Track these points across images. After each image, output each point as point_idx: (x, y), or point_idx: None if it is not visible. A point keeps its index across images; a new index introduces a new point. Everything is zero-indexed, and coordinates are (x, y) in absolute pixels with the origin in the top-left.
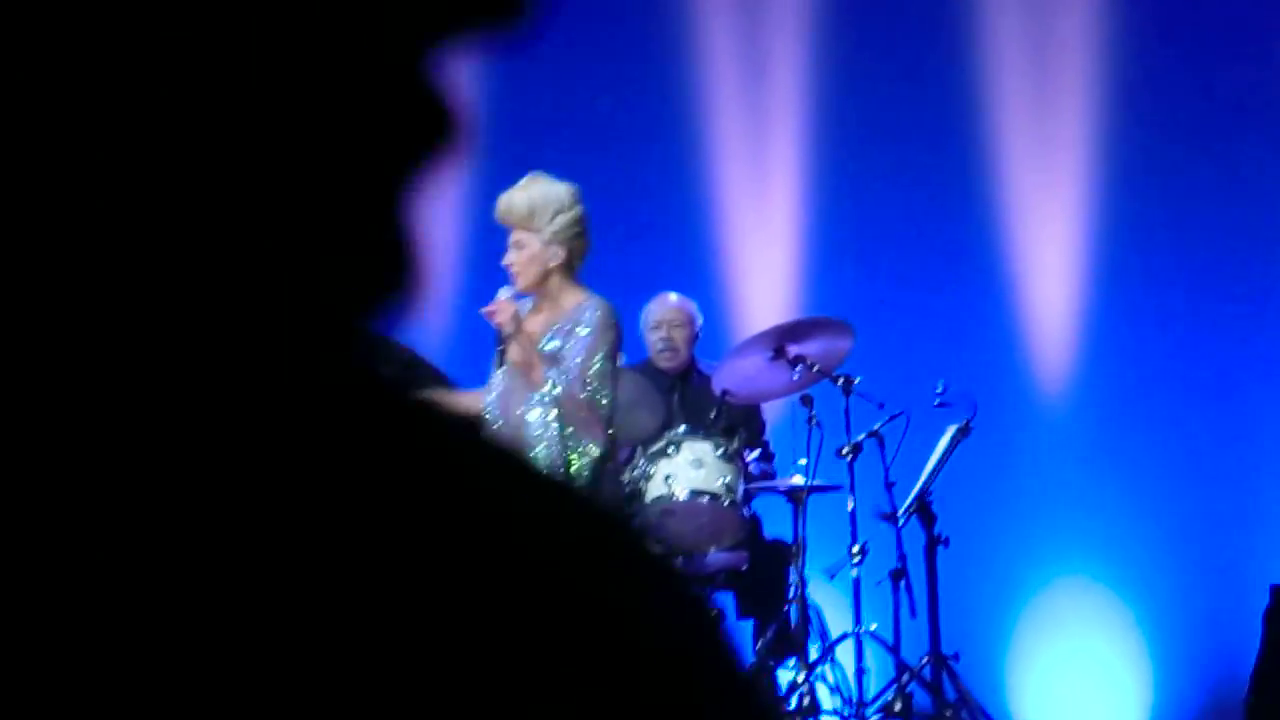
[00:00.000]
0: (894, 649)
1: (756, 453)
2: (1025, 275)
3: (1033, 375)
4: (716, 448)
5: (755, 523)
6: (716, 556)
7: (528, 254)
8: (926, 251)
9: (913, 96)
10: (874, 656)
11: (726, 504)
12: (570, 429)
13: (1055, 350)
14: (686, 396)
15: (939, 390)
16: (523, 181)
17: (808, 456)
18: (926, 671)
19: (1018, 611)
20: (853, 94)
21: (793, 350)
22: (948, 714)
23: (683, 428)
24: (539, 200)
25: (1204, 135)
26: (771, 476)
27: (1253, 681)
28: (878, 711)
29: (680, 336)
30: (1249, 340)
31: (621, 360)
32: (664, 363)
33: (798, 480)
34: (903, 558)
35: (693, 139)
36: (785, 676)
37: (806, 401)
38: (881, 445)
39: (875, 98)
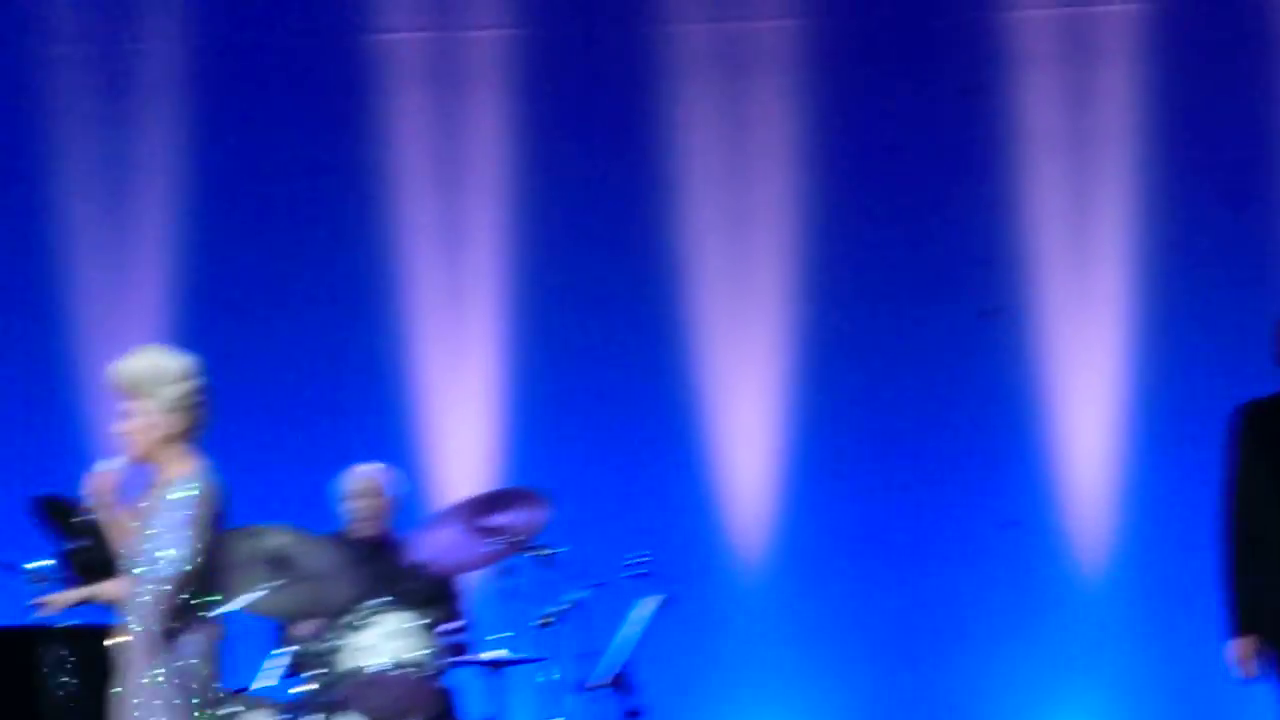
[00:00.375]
0: None
1: (453, 624)
2: (724, 447)
3: (732, 543)
4: (414, 619)
5: (451, 695)
6: None
7: (137, 423)
8: (626, 423)
9: (611, 266)
10: None
11: (423, 675)
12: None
13: (755, 518)
14: (383, 567)
15: (639, 560)
16: (136, 351)
17: (505, 628)
18: None
19: None
20: (551, 265)
21: (489, 521)
22: None
23: (380, 599)
24: (149, 370)
25: (899, 300)
26: (468, 648)
27: None
28: None
29: (376, 506)
30: (944, 508)
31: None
32: (360, 532)
33: (497, 652)
34: None
35: (391, 309)
36: None
37: (504, 573)
38: (580, 616)
39: (573, 268)
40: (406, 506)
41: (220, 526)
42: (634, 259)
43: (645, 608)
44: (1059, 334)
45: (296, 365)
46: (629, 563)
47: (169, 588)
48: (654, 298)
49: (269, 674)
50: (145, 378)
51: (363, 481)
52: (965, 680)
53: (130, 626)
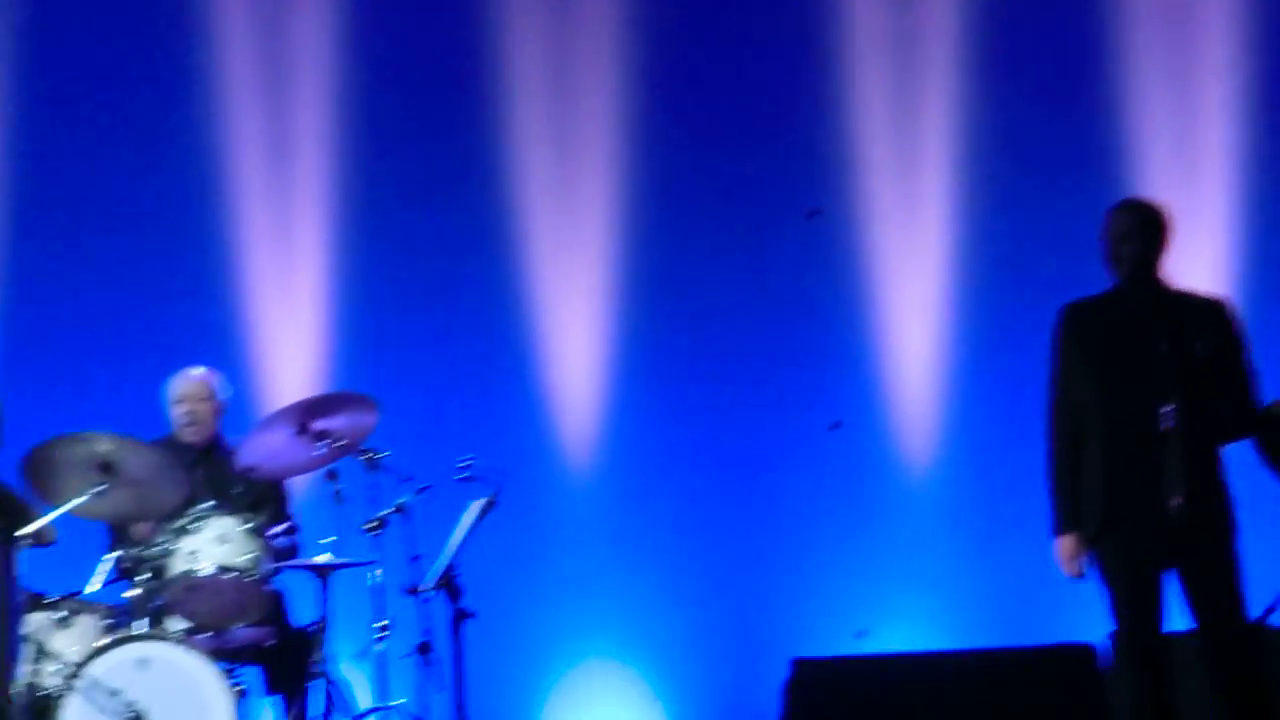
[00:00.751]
0: None
1: (282, 528)
2: (549, 346)
3: (558, 446)
4: (241, 523)
5: (280, 598)
6: (242, 632)
7: None
8: (455, 327)
9: (439, 160)
10: None
11: (252, 579)
12: None
13: (581, 424)
14: (211, 471)
15: (464, 464)
16: None
17: (333, 532)
18: None
19: (547, 681)
20: (379, 158)
21: (317, 425)
22: None
23: (207, 503)
24: None
25: (727, 198)
26: (296, 551)
27: None
28: None
29: (203, 410)
30: (770, 408)
31: None
32: (187, 437)
33: (324, 557)
34: (429, 632)
35: (217, 208)
36: None
37: (332, 476)
38: (407, 519)
39: (402, 162)
40: (234, 411)
41: None
42: (462, 162)
43: (472, 511)
44: (885, 236)
45: (125, 269)
46: (456, 466)
47: None
48: (483, 201)
49: (98, 579)
50: None
51: (190, 385)
52: (793, 583)
53: None
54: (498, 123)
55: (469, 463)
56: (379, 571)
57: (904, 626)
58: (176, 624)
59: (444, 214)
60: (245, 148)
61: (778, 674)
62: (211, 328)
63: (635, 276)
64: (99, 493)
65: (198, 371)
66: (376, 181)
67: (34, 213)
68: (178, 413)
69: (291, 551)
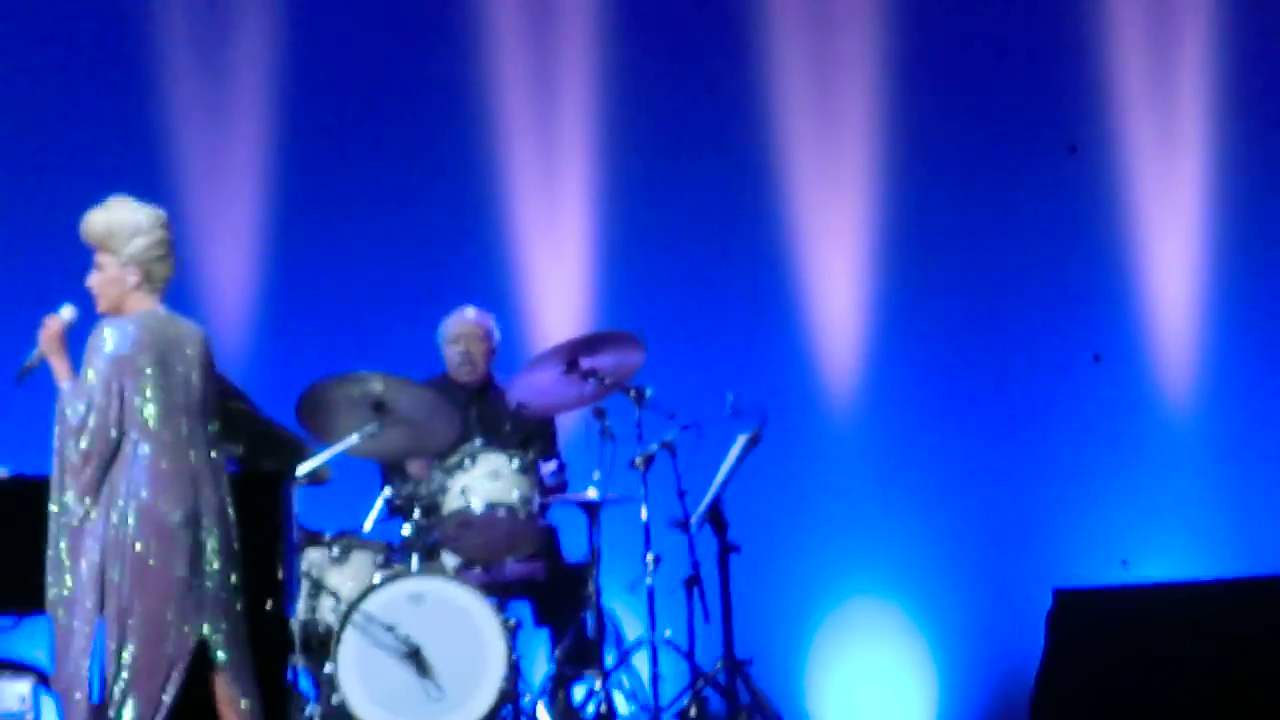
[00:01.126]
0: (688, 655)
1: (552, 465)
2: (813, 286)
3: (821, 385)
4: (512, 460)
5: (552, 533)
6: (514, 567)
7: (105, 276)
8: (717, 264)
9: (702, 106)
10: (669, 663)
11: (523, 515)
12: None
13: (843, 360)
14: (484, 410)
15: (729, 400)
16: (105, 203)
17: (601, 468)
18: (721, 676)
19: (811, 616)
20: (643, 105)
21: (585, 363)
22: (741, 717)
23: (478, 441)
24: (116, 223)
25: (984, 140)
26: (565, 488)
27: (1037, 682)
28: (673, 716)
29: (478, 351)
30: (1029, 345)
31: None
32: (463, 376)
33: (592, 492)
34: (696, 565)
35: (485, 153)
36: (583, 685)
37: (599, 414)
38: (674, 455)
39: (665, 108)
40: (503, 351)
41: (166, 373)
42: (727, 105)
43: (737, 447)
44: (1142, 169)
45: (394, 212)
46: (722, 403)
47: (81, 428)
48: (746, 138)
49: (373, 516)
50: (111, 231)
51: (466, 325)
52: (1055, 515)
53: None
54: (759, 64)
55: (734, 399)
56: (646, 507)
57: (1165, 556)
58: (449, 560)
59: (709, 155)
60: (511, 90)
61: (1041, 605)
62: (481, 268)
63: (895, 215)
64: (372, 432)
65: (473, 312)
66: (642, 122)
67: (305, 155)
68: (452, 352)
69: (561, 488)
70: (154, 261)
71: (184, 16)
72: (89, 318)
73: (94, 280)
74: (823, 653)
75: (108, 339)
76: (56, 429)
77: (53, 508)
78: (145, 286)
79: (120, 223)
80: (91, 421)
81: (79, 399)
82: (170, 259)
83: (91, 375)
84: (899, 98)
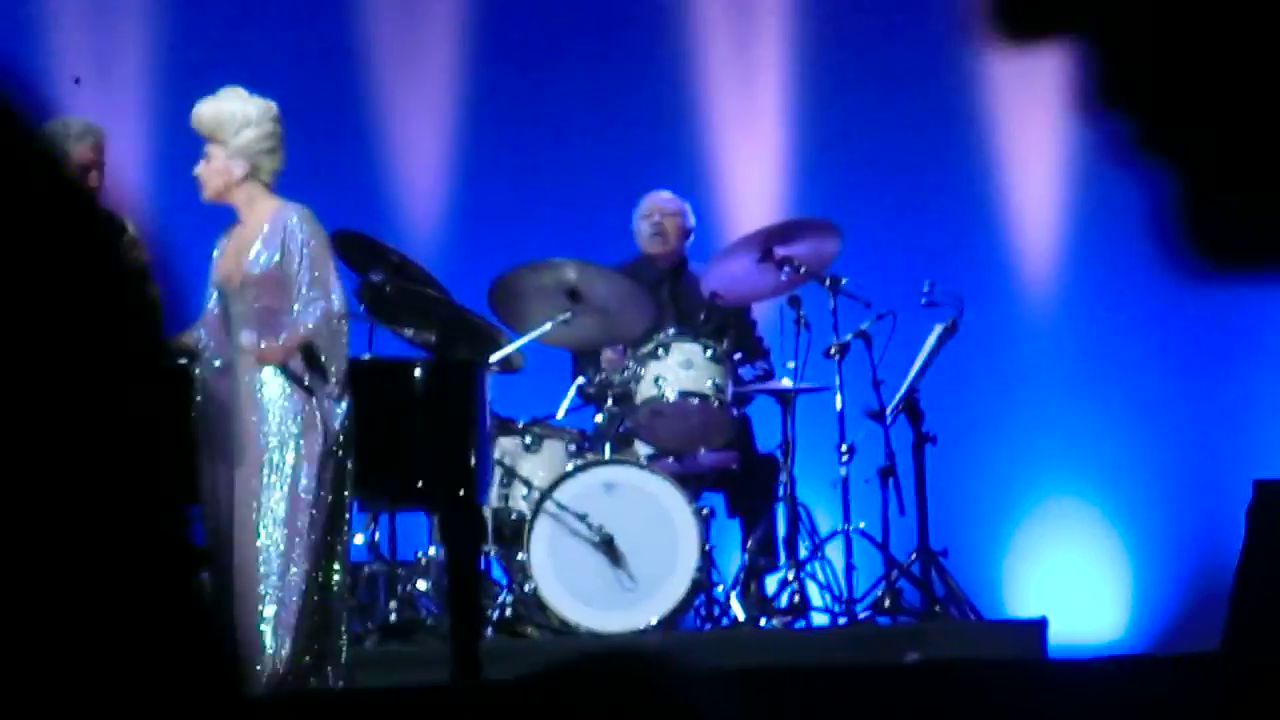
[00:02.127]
0: (883, 546)
1: (745, 355)
2: (1010, 173)
3: (1019, 274)
4: (705, 349)
5: (745, 423)
6: (707, 456)
7: (212, 165)
8: (912, 151)
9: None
10: (863, 554)
11: (716, 405)
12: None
13: (1040, 248)
14: (676, 290)
15: (925, 289)
16: (218, 93)
17: (795, 357)
18: (915, 568)
19: (1007, 509)
20: None
21: (780, 252)
22: (936, 609)
23: (672, 330)
24: (225, 113)
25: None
26: (771, 374)
27: (1237, 577)
28: (867, 608)
29: (671, 226)
30: None
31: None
32: (654, 248)
33: (786, 382)
34: (891, 456)
35: (679, 39)
36: (775, 576)
37: (794, 303)
38: (869, 345)
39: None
40: (698, 240)
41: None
42: None
43: (933, 337)
44: None
45: (589, 99)
46: (918, 292)
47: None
48: (937, 22)
49: (565, 404)
50: (220, 121)
51: (658, 199)
52: (1253, 406)
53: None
54: None
55: (930, 288)
56: (841, 396)
57: None
58: (642, 448)
59: (904, 39)
60: None
61: (1241, 499)
62: (676, 155)
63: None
64: (565, 320)
65: (665, 194)
66: (838, 7)
67: (501, 41)
68: (645, 225)
69: (766, 375)
70: (262, 154)
71: None
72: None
73: (201, 169)
74: (1019, 546)
75: (314, 222)
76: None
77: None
78: (252, 178)
79: (230, 113)
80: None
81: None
82: (280, 152)
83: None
84: None
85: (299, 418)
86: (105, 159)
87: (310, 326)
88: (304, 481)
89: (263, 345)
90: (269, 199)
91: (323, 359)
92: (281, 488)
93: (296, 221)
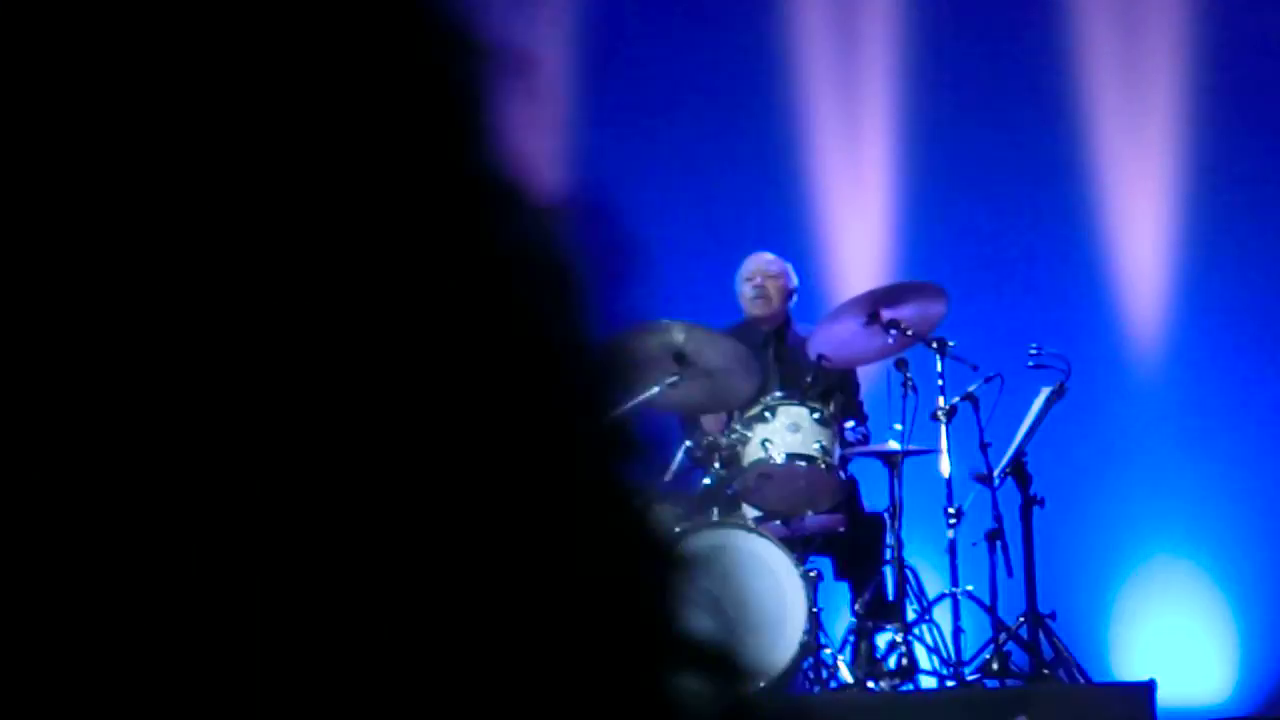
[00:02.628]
0: (991, 609)
1: (852, 424)
2: (1118, 237)
3: (1126, 337)
4: (812, 412)
5: (852, 486)
6: (814, 519)
7: None
8: (1019, 214)
9: (1005, 59)
10: (971, 617)
11: (823, 467)
12: None
13: (1148, 311)
14: (782, 354)
15: (1033, 352)
16: None
17: (903, 420)
18: (1023, 631)
19: (1114, 572)
20: (945, 57)
21: (887, 314)
22: (1045, 672)
23: (778, 393)
24: None
25: None
26: (867, 440)
27: None
28: (975, 671)
29: (773, 287)
30: None
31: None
32: (757, 310)
33: (893, 444)
34: (999, 519)
35: (787, 104)
36: (883, 637)
37: (901, 365)
38: (976, 407)
39: (967, 62)
40: (804, 302)
41: None
42: (1030, 51)
43: (1040, 400)
44: None
45: (697, 161)
46: (1025, 355)
47: None
48: (1047, 91)
49: (672, 468)
50: None
51: (760, 261)
52: None
53: None
54: (1064, 14)
55: (1037, 351)
56: (948, 459)
57: None
58: (749, 511)
59: (1012, 105)
60: (814, 40)
61: None
62: (782, 218)
63: (1203, 166)
64: (672, 383)
65: (771, 256)
66: (944, 71)
67: (601, 101)
68: (747, 287)
69: (863, 440)
70: None
71: None
72: None
73: None
74: (1126, 608)
75: None
76: None
77: None
78: None
79: None
80: None
81: None
82: None
83: None
84: (1208, 49)
85: None
86: None
87: None
88: None
89: None
90: None
91: None
92: None
93: None
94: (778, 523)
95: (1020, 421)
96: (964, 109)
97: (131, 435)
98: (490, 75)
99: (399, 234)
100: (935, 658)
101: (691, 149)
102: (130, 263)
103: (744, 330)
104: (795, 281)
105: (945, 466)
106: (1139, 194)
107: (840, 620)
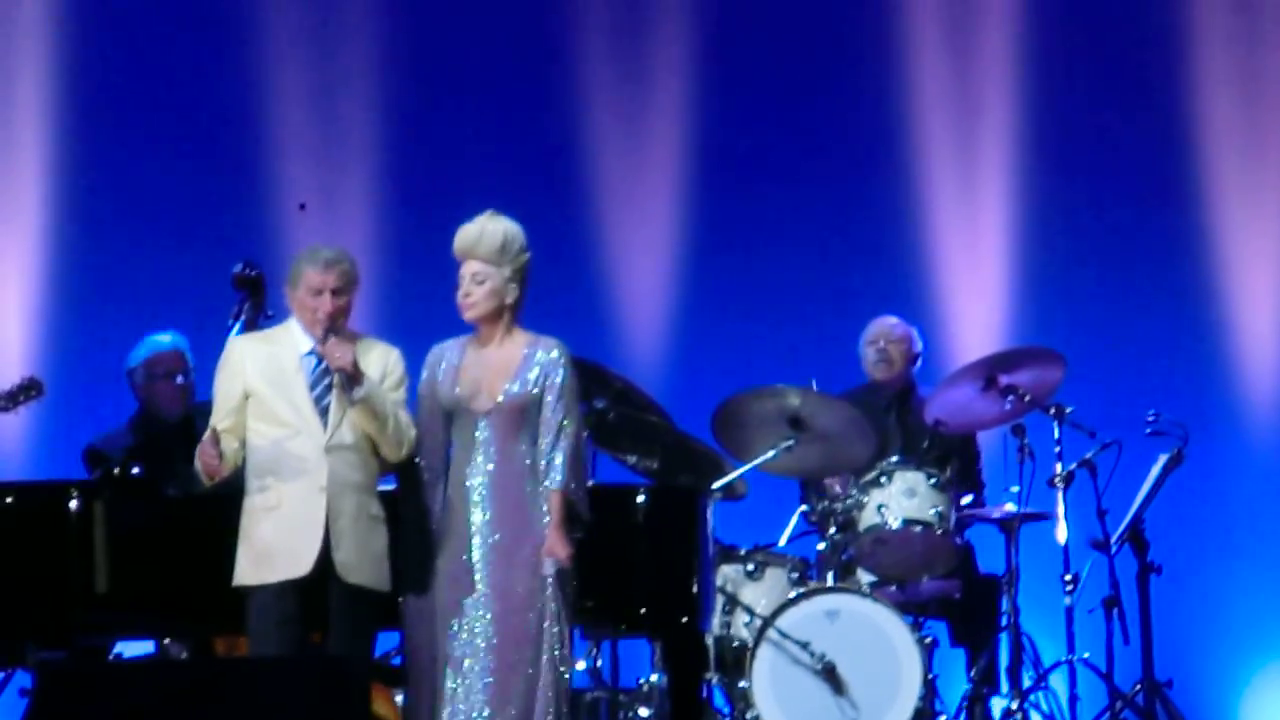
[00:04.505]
0: (1107, 676)
1: (969, 499)
2: (1237, 302)
3: (1245, 403)
4: (929, 477)
5: (968, 551)
6: (929, 585)
7: (488, 286)
8: (1137, 278)
9: (1121, 124)
10: (1087, 684)
11: (939, 533)
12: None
13: (1267, 378)
14: (904, 415)
15: (1151, 419)
16: (488, 215)
17: (1020, 485)
18: (1140, 698)
19: (1233, 639)
20: (1063, 123)
21: (1004, 380)
22: None
23: (895, 458)
24: (510, 236)
25: None
26: (981, 506)
27: None
28: None
29: (896, 351)
30: None
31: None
32: (879, 374)
33: (1010, 509)
34: (1115, 585)
35: (904, 167)
36: (999, 704)
37: (1018, 431)
38: (1093, 474)
39: (1085, 126)
40: (922, 365)
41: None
42: (1150, 117)
43: (1158, 466)
44: None
45: (813, 224)
46: (1143, 421)
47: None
48: (1169, 156)
49: (788, 532)
50: (507, 243)
51: (883, 326)
52: None
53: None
54: (1186, 80)
55: (1155, 418)
56: (1065, 525)
57: None
58: (865, 576)
59: (1130, 171)
60: (931, 103)
61: None
62: (899, 282)
63: None
64: (788, 447)
65: (893, 320)
66: (1062, 137)
67: (722, 167)
68: (870, 352)
69: (977, 505)
70: (525, 281)
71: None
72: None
73: (473, 290)
74: (1246, 677)
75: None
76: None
77: None
78: (516, 305)
79: (514, 236)
80: None
81: None
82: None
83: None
84: None
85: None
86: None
87: (572, 487)
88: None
89: (553, 542)
90: (519, 327)
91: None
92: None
93: (557, 357)
94: (893, 588)
95: (1138, 488)
96: (1083, 176)
97: None
98: None
99: None
100: None
101: (807, 211)
102: None
103: (867, 393)
104: (919, 345)
105: (1062, 533)
106: (1259, 261)
107: (956, 686)
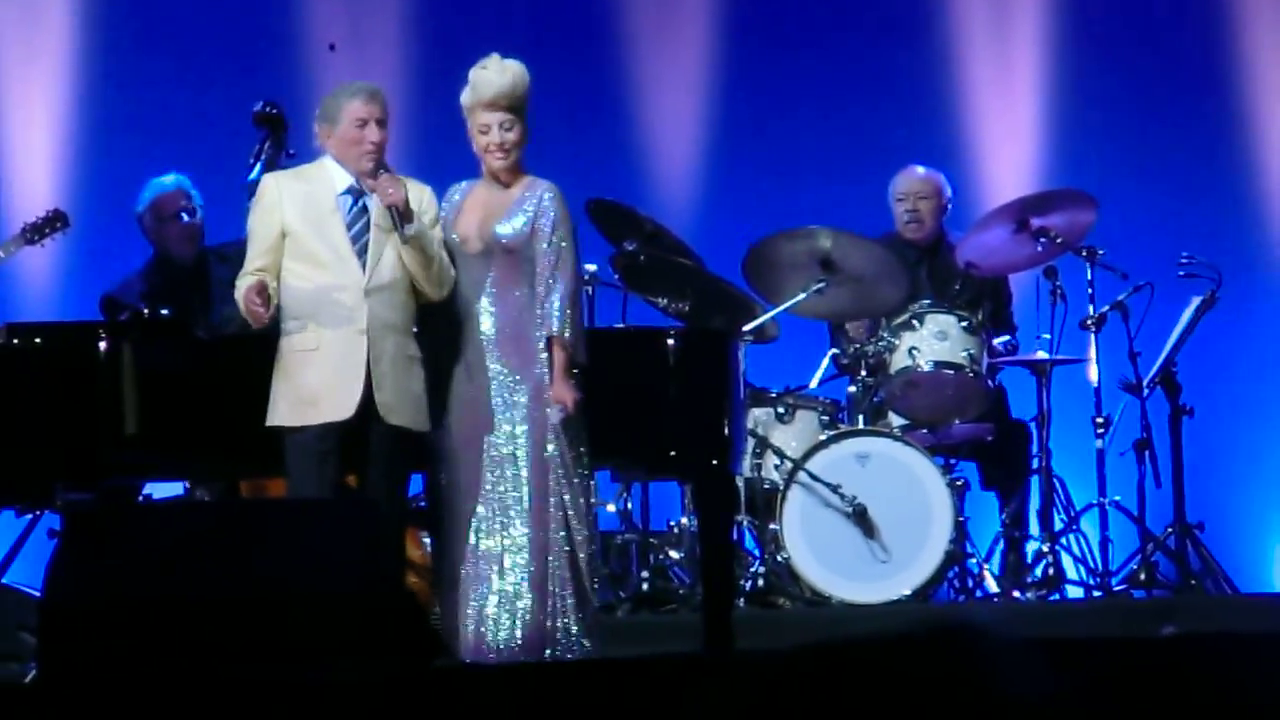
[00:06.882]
0: (1138, 519)
1: (1005, 337)
2: (1272, 144)
3: (1278, 245)
4: (960, 320)
5: (1000, 394)
6: (961, 428)
7: (515, 135)
8: (1171, 121)
9: None
10: (1118, 527)
11: (971, 375)
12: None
13: None
14: (935, 268)
15: (1183, 261)
16: (499, 60)
17: (1051, 329)
18: (1171, 541)
19: (1264, 482)
20: None
21: (1036, 223)
22: (1192, 583)
23: (926, 301)
24: (527, 83)
25: None
26: (1015, 349)
27: None
28: (1122, 581)
29: (926, 208)
30: None
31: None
32: (910, 234)
33: (1041, 353)
34: (1147, 428)
35: (935, 10)
36: (1030, 547)
37: (1050, 274)
38: (1125, 317)
39: None
40: (954, 209)
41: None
42: None
43: (1191, 308)
44: None
45: (844, 68)
46: (1175, 263)
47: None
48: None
49: (818, 375)
50: (526, 90)
51: (912, 182)
52: None
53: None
54: None
55: (1188, 260)
56: (1097, 368)
57: None
58: (895, 419)
59: (1160, 11)
60: None
61: None
62: (931, 125)
63: None
64: (819, 289)
65: (921, 170)
66: None
67: (755, 8)
68: (900, 209)
69: (1011, 349)
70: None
71: None
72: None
73: (503, 139)
74: (1278, 520)
75: (563, 202)
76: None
77: None
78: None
79: (528, 83)
80: None
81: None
82: None
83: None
84: None
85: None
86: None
87: (568, 336)
88: (549, 448)
89: (558, 390)
90: (520, 170)
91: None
92: (528, 453)
93: (550, 200)
94: (924, 431)
95: (1170, 331)
96: (1113, 17)
97: None
98: None
99: None
100: (1082, 568)
101: (839, 56)
102: None
103: (895, 242)
104: (948, 193)
105: (1094, 376)
106: None
107: (986, 529)
